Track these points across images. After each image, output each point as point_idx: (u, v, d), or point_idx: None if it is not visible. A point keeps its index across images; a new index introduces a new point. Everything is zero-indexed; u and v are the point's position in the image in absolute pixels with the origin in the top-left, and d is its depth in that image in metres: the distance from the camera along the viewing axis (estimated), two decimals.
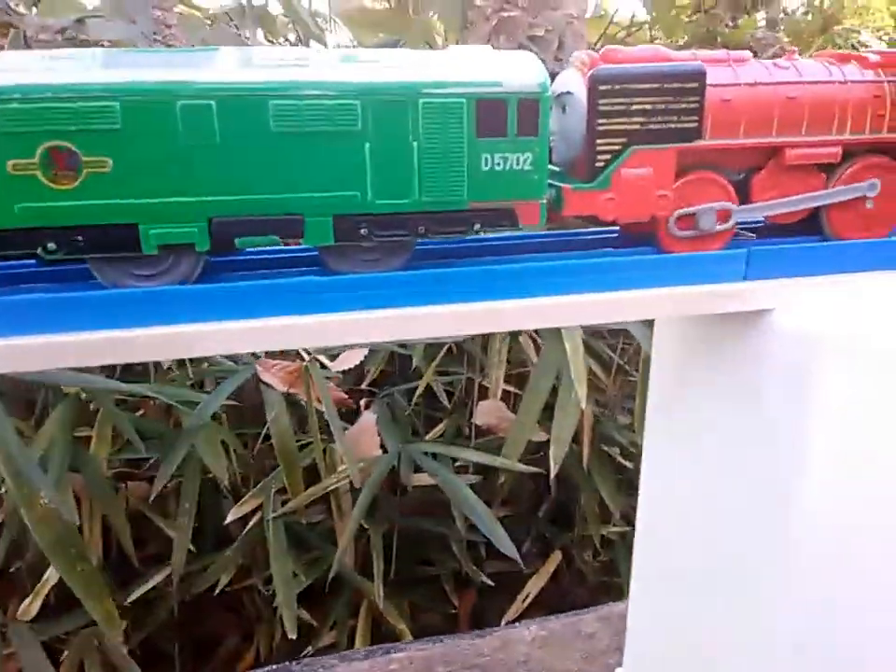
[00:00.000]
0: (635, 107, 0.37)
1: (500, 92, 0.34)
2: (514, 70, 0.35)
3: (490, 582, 0.91)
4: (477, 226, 0.36)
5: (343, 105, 0.33)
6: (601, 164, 0.38)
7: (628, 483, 0.96)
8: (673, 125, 0.38)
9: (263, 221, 0.33)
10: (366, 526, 0.87)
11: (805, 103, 0.39)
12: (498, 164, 0.35)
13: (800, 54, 0.42)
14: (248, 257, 0.39)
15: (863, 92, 0.40)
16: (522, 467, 0.85)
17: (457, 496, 0.84)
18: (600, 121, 0.37)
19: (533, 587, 0.94)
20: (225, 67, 0.32)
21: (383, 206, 0.34)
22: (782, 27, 1.32)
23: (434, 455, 0.89)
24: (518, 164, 0.35)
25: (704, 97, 0.38)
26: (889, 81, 0.41)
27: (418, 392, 0.92)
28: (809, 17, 1.46)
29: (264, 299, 0.34)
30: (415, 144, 0.34)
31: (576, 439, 0.88)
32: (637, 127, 0.37)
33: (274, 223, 0.33)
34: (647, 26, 0.97)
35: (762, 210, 0.41)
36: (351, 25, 0.95)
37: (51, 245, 0.32)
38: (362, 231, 0.34)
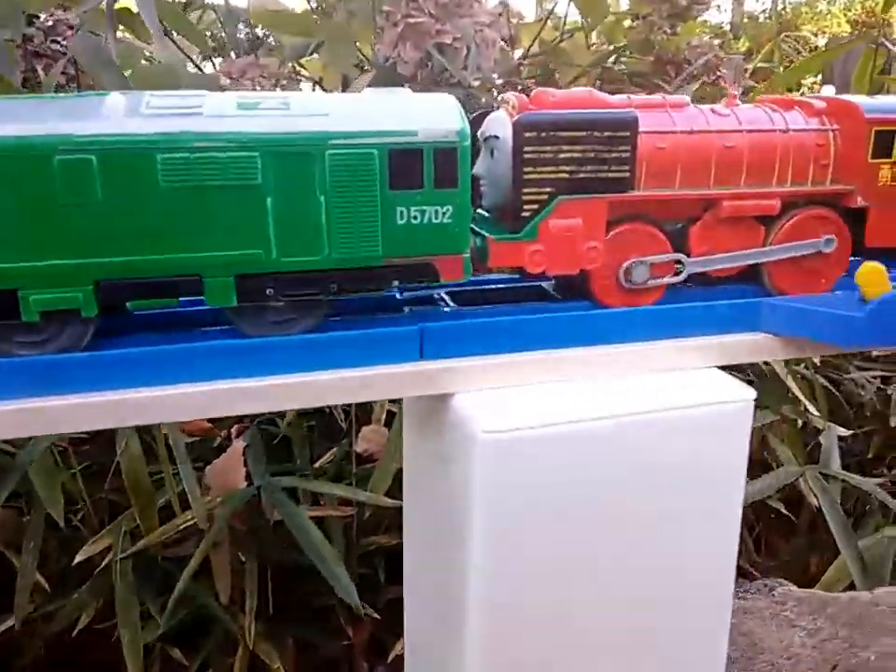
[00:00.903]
0: (562, 156, 0.35)
1: (415, 142, 0.32)
2: (430, 117, 0.33)
3: (375, 615, 0.86)
4: (395, 282, 0.34)
5: (241, 158, 0.30)
6: (527, 214, 0.35)
7: None
8: (603, 175, 0.35)
9: (157, 283, 0.31)
10: (244, 560, 0.81)
11: (743, 152, 0.37)
12: (415, 218, 0.32)
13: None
14: (149, 312, 0.37)
15: (806, 141, 0.38)
16: (387, 501, 0.78)
17: (301, 534, 0.78)
18: (526, 169, 0.35)
19: None
20: (109, 117, 0.29)
21: (290, 264, 0.32)
22: (744, 31, 1.34)
23: (293, 491, 0.83)
24: (437, 217, 0.33)
25: (636, 146, 0.36)
26: (832, 130, 0.39)
27: (287, 419, 0.85)
28: (770, 20, 1.49)
29: (155, 366, 0.32)
30: (323, 198, 0.31)
31: None
32: (566, 176, 0.35)
33: (169, 285, 0.31)
34: (583, 33, 0.95)
35: (704, 265, 0.38)
36: (265, 25, 0.88)
37: None
38: (268, 290, 0.32)
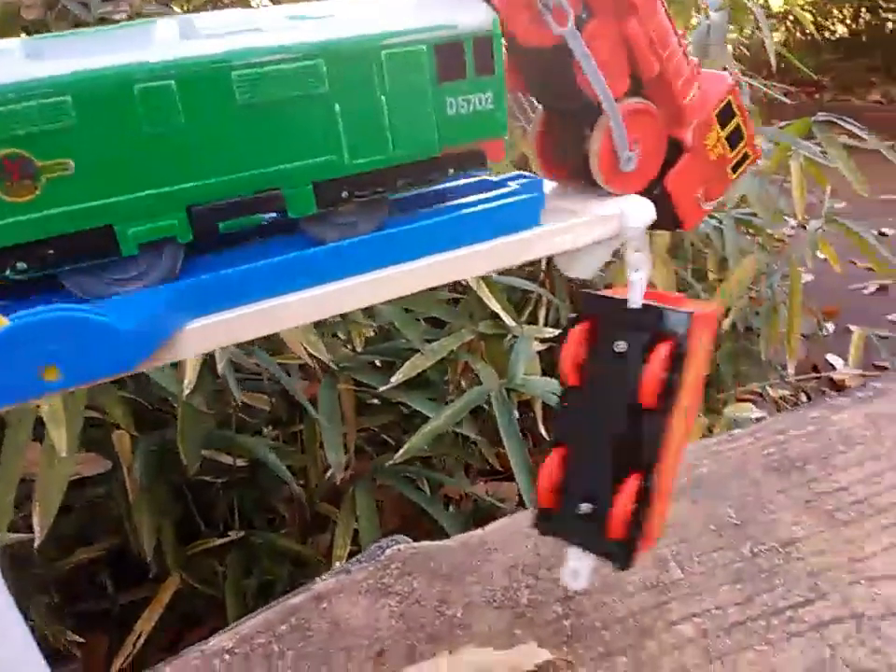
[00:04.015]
0: None
1: (457, 34, 0.35)
2: (461, 9, 0.35)
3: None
4: (451, 171, 0.37)
5: (309, 67, 0.31)
6: None
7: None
8: None
9: (245, 201, 0.32)
10: None
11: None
12: (463, 107, 0.35)
13: None
14: None
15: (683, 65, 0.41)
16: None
17: None
18: None
19: (145, 625, 0.82)
20: (172, 42, 0.30)
21: (360, 166, 0.34)
22: None
23: None
24: (481, 104, 0.36)
25: None
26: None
27: None
28: None
29: (259, 281, 0.33)
30: (383, 98, 0.33)
31: None
32: None
33: (256, 201, 0.32)
34: None
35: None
36: None
37: (21, 265, 0.28)
38: (343, 194, 0.34)
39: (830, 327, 1.85)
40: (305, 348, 0.76)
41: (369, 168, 0.34)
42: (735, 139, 0.44)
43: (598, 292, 0.43)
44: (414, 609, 0.50)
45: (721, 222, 1.21)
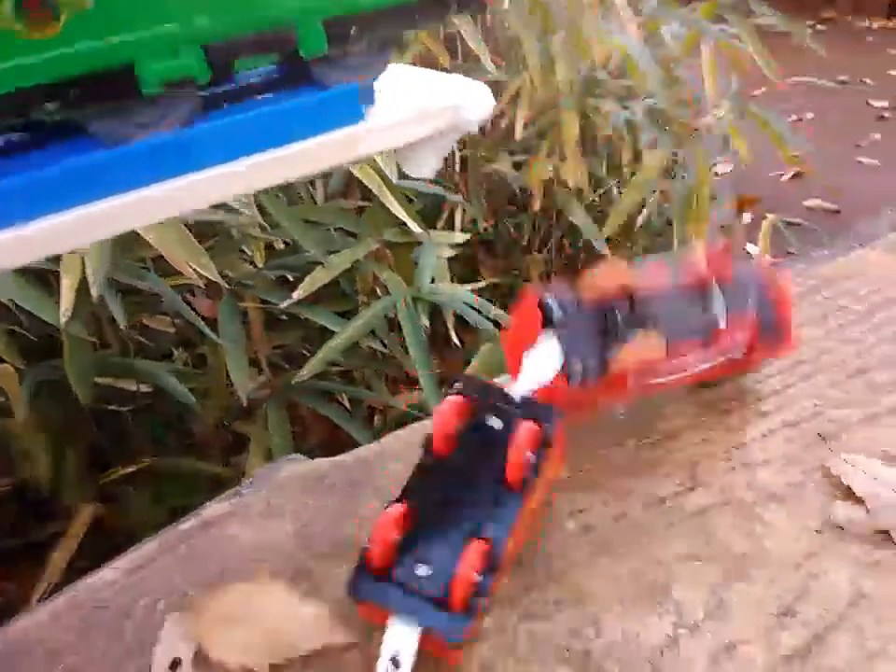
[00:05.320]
0: None
1: None
2: None
3: None
4: (454, 8, 0.35)
5: None
6: None
7: None
8: None
9: (258, 39, 0.31)
10: None
11: None
12: None
13: None
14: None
15: None
16: None
17: None
18: None
19: (63, 555, 0.80)
20: None
21: (367, 3, 0.33)
22: None
23: None
24: None
25: None
26: None
27: None
28: None
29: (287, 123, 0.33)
30: None
31: None
32: None
33: (270, 38, 0.32)
34: None
35: None
36: None
37: (50, 106, 0.29)
38: (353, 33, 0.33)
39: (748, 216, 1.88)
40: (195, 269, 0.73)
41: (376, 6, 0.34)
42: None
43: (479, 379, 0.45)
44: (307, 528, 0.50)
45: (633, 113, 1.19)
